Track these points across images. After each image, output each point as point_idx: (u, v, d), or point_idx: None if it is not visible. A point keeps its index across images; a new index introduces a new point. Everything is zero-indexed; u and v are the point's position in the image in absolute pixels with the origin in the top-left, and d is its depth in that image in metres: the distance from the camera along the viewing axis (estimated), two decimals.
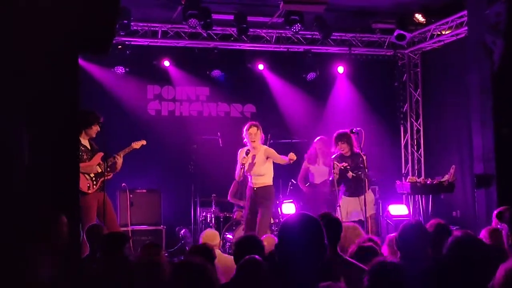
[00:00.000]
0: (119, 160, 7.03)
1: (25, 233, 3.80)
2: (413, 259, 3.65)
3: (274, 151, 7.43)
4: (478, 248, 2.94)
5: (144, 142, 7.43)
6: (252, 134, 7.24)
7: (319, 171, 8.42)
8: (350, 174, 7.43)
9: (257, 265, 3.40)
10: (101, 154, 6.91)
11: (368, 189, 7.42)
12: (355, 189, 7.50)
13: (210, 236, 5.59)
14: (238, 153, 7.43)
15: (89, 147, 6.94)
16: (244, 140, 7.37)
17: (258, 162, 7.28)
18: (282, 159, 7.24)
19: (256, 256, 3.47)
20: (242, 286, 3.40)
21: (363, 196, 7.25)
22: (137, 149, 7.35)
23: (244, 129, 7.37)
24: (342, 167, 7.39)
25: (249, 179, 7.38)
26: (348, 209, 7.51)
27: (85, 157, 6.84)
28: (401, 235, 3.81)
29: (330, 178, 7.75)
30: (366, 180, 7.34)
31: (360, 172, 7.38)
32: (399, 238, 3.81)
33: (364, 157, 7.37)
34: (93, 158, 6.89)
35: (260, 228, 7.18)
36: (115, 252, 4.21)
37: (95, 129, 6.88)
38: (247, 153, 7.19)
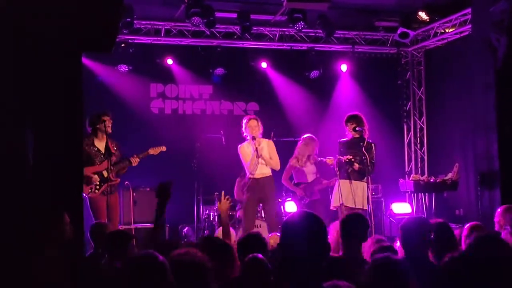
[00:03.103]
0: (134, 164, 6.97)
1: (28, 232, 3.80)
2: (415, 254, 3.66)
3: (273, 145, 7.52)
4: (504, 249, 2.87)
5: (163, 149, 7.30)
6: (253, 126, 7.33)
7: (308, 171, 8.39)
8: (356, 166, 7.23)
9: (261, 263, 3.41)
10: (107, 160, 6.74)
11: (366, 178, 7.20)
12: (349, 172, 7.27)
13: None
14: (239, 148, 7.51)
15: (103, 150, 6.83)
16: (244, 134, 7.44)
17: (264, 151, 7.39)
18: (277, 162, 7.36)
19: (259, 255, 3.48)
20: (247, 284, 3.40)
21: (356, 183, 7.19)
22: (155, 155, 7.22)
23: (244, 123, 7.44)
24: (347, 160, 7.22)
25: (248, 171, 7.42)
26: (342, 193, 7.19)
27: (97, 160, 6.81)
28: (403, 230, 3.83)
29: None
30: (367, 167, 7.16)
31: (362, 159, 7.17)
32: (401, 233, 3.83)
33: (372, 145, 7.31)
34: (102, 163, 6.81)
35: (273, 220, 7.32)
36: (119, 251, 4.20)
37: (102, 125, 6.77)
38: (253, 138, 7.24)
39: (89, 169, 6.69)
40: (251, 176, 7.37)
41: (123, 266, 2.33)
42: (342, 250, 4.05)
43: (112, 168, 6.74)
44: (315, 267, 2.34)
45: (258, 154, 7.23)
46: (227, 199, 5.13)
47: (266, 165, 7.39)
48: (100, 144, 6.86)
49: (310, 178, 8.35)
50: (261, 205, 7.67)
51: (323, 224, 2.44)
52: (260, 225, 7.83)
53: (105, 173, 6.81)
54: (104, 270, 3.96)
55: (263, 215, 7.98)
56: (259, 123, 7.42)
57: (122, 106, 9.40)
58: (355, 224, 4.08)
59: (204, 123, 9.85)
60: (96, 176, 6.79)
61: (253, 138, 7.26)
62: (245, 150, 7.45)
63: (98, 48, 4.81)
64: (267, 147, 7.45)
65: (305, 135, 8.37)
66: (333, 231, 4.68)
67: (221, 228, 5.38)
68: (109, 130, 6.82)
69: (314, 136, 8.32)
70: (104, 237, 4.62)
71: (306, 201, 8.34)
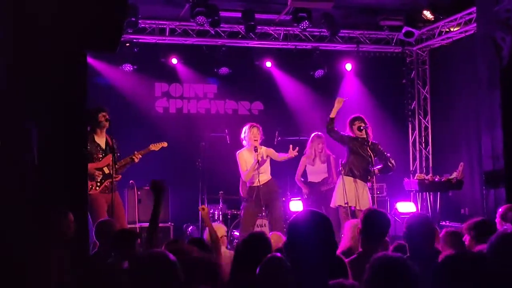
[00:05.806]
0: (136, 161, 6.93)
1: (32, 231, 3.81)
2: (420, 251, 3.66)
3: (273, 150, 7.65)
4: None
5: (165, 144, 7.29)
6: (255, 133, 7.43)
7: (317, 170, 8.40)
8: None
9: (281, 263, 3.34)
10: (110, 155, 6.69)
11: (370, 179, 7.20)
12: (354, 170, 7.27)
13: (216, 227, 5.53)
14: (238, 155, 7.57)
15: (103, 146, 6.79)
16: (243, 142, 7.53)
17: (263, 159, 7.50)
18: (282, 157, 7.47)
19: (278, 254, 3.42)
20: (265, 284, 3.34)
21: (360, 182, 7.18)
22: (156, 151, 7.22)
23: (246, 129, 7.52)
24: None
25: (247, 179, 7.54)
26: (347, 192, 7.11)
27: (99, 156, 6.76)
28: (408, 227, 3.83)
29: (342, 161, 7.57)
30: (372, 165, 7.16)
31: (368, 160, 7.17)
32: (406, 230, 3.83)
33: (377, 144, 7.36)
34: (103, 159, 6.76)
35: (276, 222, 7.40)
36: (125, 250, 4.21)
37: (102, 119, 6.70)
38: (256, 150, 7.27)
39: (91, 166, 6.56)
40: (255, 185, 7.38)
41: (131, 265, 2.32)
42: (361, 247, 3.93)
43: (114, 164, 6.63)
44: (322, 266, 2.34)
45: (259, 166, 7.31)
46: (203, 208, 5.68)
47: (266, 172, 7.49)
48: (100, 140, 6.80)
49: (318, 177, 8.35)
50: (264, 208, 7.67)
51: (330, 223, 2.44)
52: (264, 224, 7.85)
53: (106, 170, 6.76)
54: (111, 269, 3.96)
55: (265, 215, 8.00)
56: (260, 130, 7.50)
57: (127, 105, 9.42)
58: (378, 220, 3.98)
59: (209, 122, 9.86)
60: (98, 172, 6.72)
61: (255, 150, 7.30)
62: (245, 158, 7.52)
63: (103, 48, 4.83)
64: (265, 153, 7.52)
65: (313, 133, 8.42)
66: (348, 231, 4.61)
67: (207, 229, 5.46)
68: (106, 125, 6.73)
69: (320, 134, 8.34)
70: (110, 236, 4.63)
71: (309, 200, 8.34)
